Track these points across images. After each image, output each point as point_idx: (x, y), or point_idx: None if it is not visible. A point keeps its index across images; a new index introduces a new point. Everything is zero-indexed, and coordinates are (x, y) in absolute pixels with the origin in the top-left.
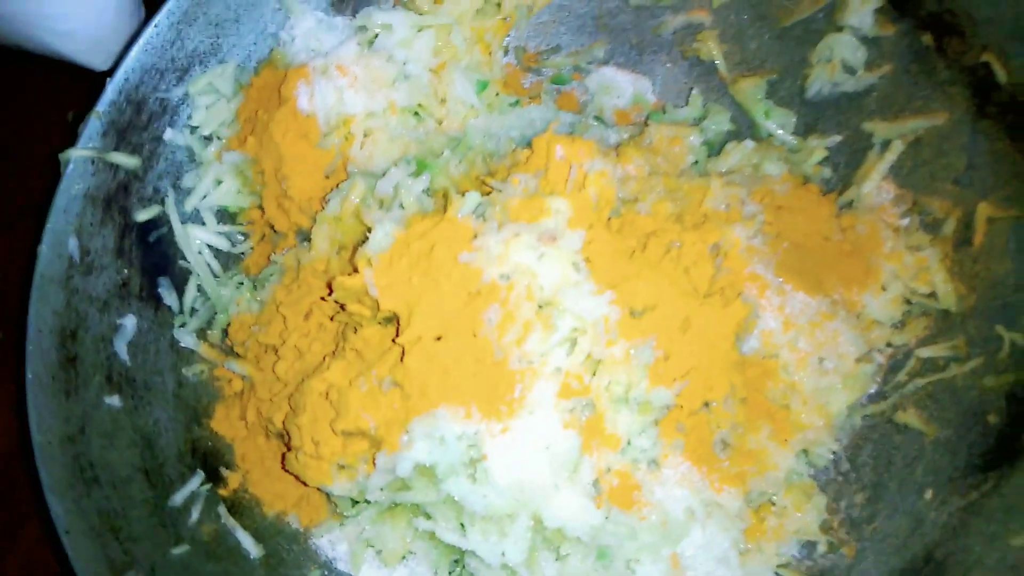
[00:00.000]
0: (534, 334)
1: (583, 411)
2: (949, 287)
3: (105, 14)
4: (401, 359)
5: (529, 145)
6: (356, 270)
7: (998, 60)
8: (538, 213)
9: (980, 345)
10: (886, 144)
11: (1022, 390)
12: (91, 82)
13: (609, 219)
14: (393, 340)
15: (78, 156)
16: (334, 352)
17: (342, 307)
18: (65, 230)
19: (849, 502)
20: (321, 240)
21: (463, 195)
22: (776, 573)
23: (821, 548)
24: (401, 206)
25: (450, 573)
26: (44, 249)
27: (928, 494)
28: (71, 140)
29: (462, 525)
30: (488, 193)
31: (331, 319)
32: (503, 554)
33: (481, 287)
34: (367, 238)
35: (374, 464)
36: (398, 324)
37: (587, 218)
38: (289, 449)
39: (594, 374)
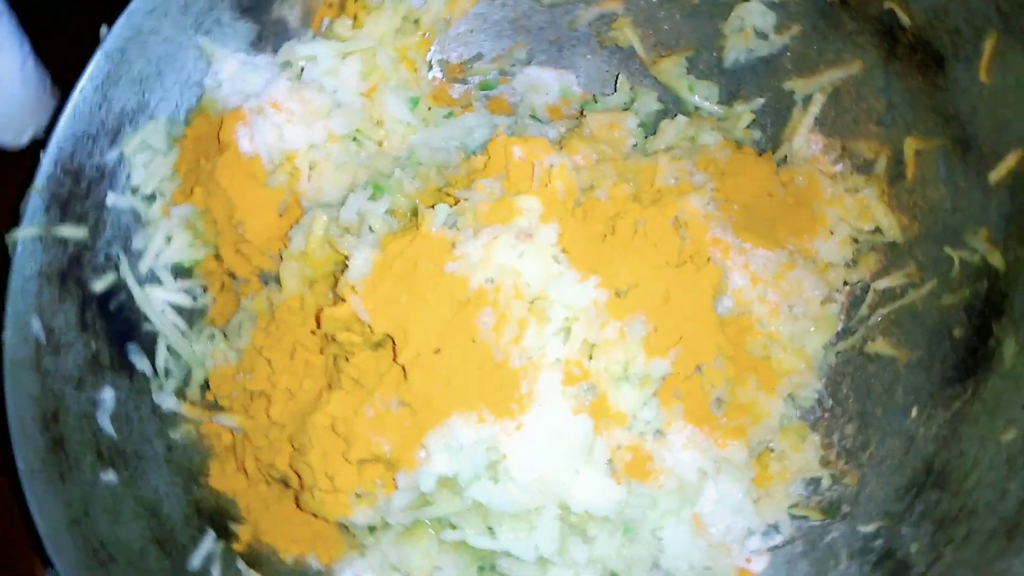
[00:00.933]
0: (529, 330)
1: (587, 395)
2: (891, 219)
3: (11, 87)
4: (404, 377)
5: (476, 152)
6: (340, 300)
7: (899, 5)
8: (510, 214)
9: (931, 268)
10: (808, 99)
11: (979, 302)
12: (8, 163)
13: (573, 209)
14: (394, 360)
15: (25, 236)
16: (329, 385)
17: (331, 339)
18: (26, 312)
19: (841, 434)
20: (290, 278)
21: (432, 208)
22: (790, 514)
23: (825, 483)
24: (371, 229)
25: None
26: (8, 335)
27: (913, 412)
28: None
29: (490, 529)
30: (455, 203)
31: (320, 352)
32: (536, 547)
33: (470, 294)
34: (346, 266)
35: (394, 485)
36: (393, 345)
37: (556, 211)
38: (302, 488)
39: (591, 358)
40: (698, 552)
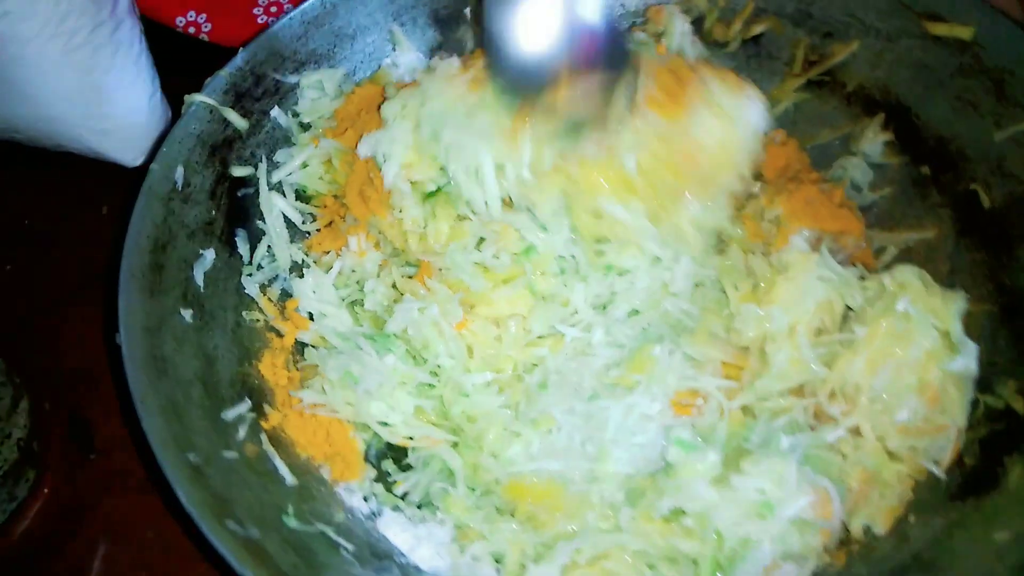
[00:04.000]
0: None
1: None
2: None
3: (139, 114)
4: None
5: None
6: None
7: (984, 190)
8: None
9: None
10: (882, 249)
11: (992, 437)
12: (123, 178)
13: None
14: None
15: (200, 101)
16: None
17: None
18: (176, 158)
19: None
20: None
21: None
22: None
23: (812, 562)
24: None
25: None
26: (155, 168)
27: (911, 519)
28: (104, 235)
29: None
30: None
31: None
32: None
33: None
34: None
35: None
36: None
37: None
38: None
39: None
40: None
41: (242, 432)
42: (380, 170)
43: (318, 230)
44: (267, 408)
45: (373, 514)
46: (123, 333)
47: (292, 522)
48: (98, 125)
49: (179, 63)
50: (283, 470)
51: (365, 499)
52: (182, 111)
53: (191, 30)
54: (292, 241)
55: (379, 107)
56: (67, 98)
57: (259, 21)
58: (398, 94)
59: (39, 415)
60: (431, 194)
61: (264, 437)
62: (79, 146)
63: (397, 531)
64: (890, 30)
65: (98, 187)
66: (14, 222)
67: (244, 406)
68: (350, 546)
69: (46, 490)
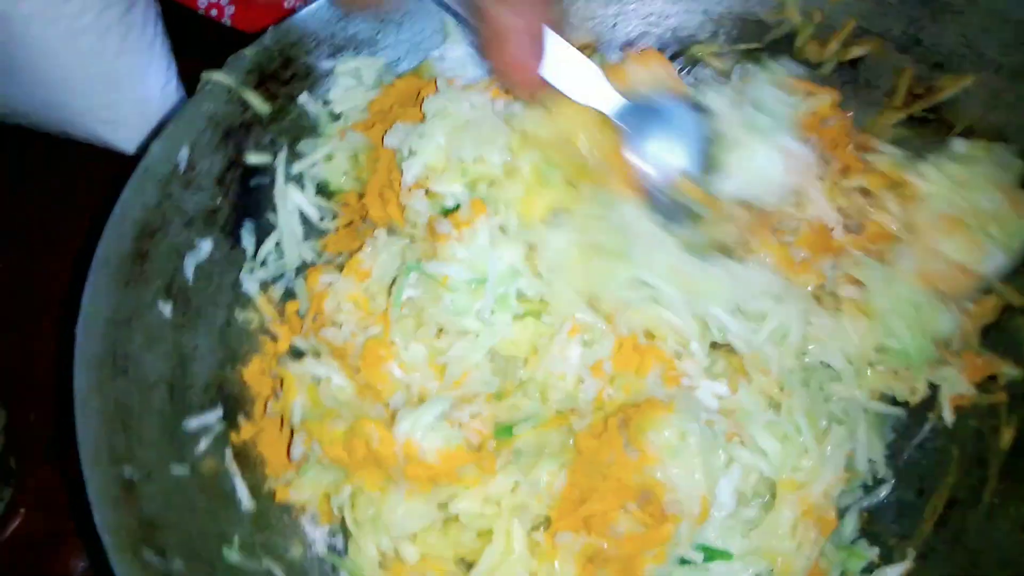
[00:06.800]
0: None
1: None
2: None
3: (151, 104)
4: None
5: None
6: None
7: None
8: None
9: None
10: None
11: None
12: (120, 165)
13: None
14: None
15: (218, 79)
16: None
17: None
18: (181, 138)
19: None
20: None
21: None
22: None
23: None
24: None
25: None
26: (155, 147)
27: None
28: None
29: None
30: None
31: None
32: None
33: None
34: None
35: None
36: None
37: None
38: None
39: None
40: None
41: (204, 444)
42: (401, 169)
43: (337, 229)
44: (241, 419)
45: (339, 552)
46: (81, 324)
47: (233, 556)
48: (107, 114)
49: (201, 48)
50: (241, 492)
51: (332, 534)
52: (196, 89)
53: (213, 12)
54: (306, 239)
55: (420, 102)
56: (73, 84)
57: (287, 6)
58: (448, 90)
59: (19, 429)
60: (450, 211)
61: (229, 452)
62: (87, 135)
63: None
64: (1014, 66)
65: (106, 178)
66: (10, 212)
67: (214, 415)
68: None
69: (22, 510)
